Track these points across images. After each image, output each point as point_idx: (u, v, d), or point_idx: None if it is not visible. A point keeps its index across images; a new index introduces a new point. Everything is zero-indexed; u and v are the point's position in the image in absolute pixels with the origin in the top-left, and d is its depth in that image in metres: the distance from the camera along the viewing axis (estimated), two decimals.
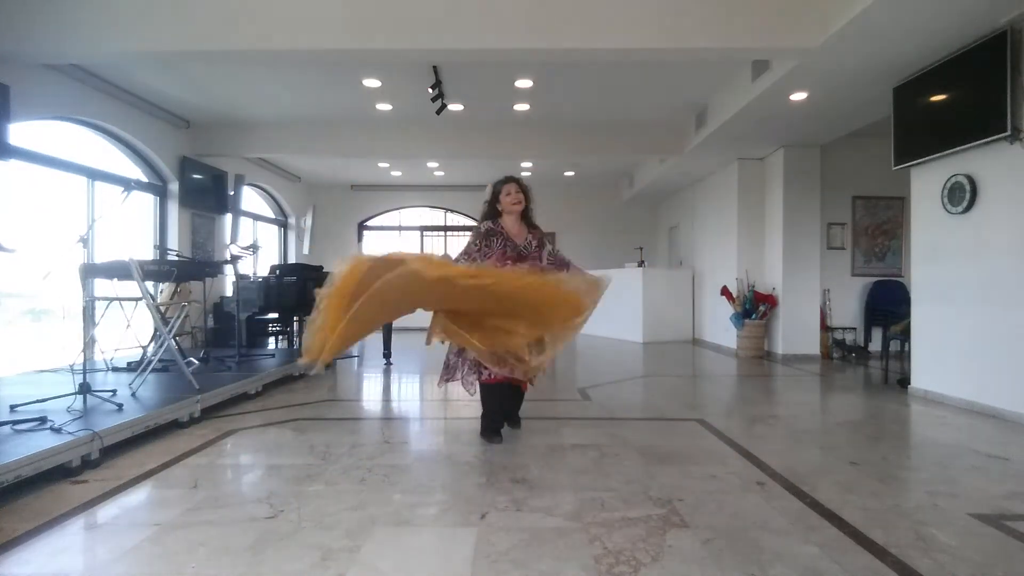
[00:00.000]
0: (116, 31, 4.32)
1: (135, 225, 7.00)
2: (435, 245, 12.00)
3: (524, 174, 10.18)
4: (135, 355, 4.90)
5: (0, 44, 4.33)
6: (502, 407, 3.42)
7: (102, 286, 4.81)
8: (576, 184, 11.12)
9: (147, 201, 7.09)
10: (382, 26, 4.26)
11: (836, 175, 7.43)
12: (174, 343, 4.52)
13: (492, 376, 3.21)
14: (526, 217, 3.44)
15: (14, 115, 4.80)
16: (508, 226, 3.35)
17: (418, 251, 2.91)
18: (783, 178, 7.26)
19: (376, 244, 11.95)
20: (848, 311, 7.61)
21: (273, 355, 5.99)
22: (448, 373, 3.39)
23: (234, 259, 5.73)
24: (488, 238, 3.29)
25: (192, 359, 5.00)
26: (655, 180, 9.32)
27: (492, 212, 3.38)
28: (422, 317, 2.99)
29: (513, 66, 5.68)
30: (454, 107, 6.81)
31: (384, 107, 6.96)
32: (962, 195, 4.43)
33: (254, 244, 7.81)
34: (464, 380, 3.32)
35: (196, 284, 5.72)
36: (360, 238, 11.92)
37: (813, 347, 7.21)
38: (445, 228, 12.02)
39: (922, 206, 4.95)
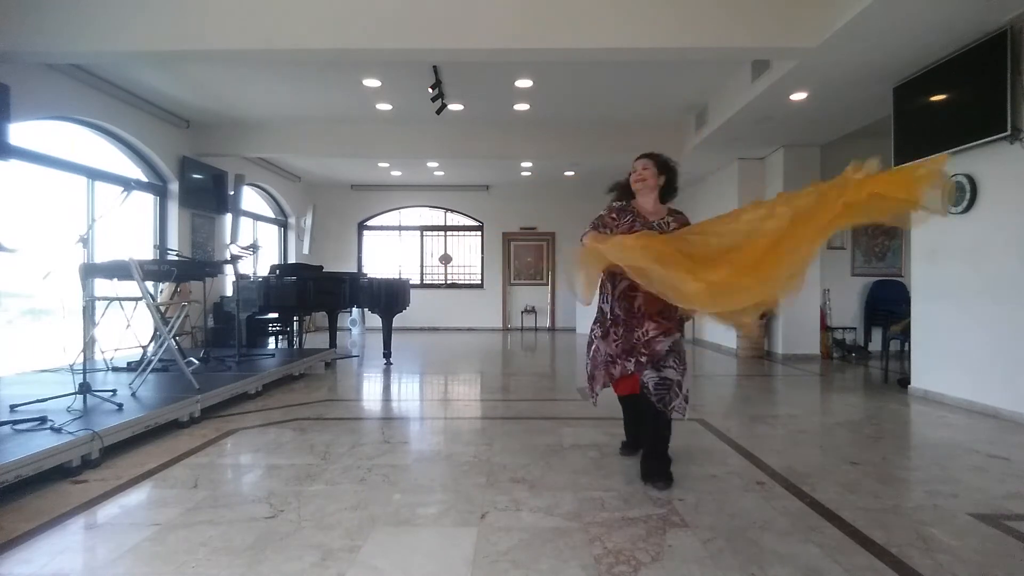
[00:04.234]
0: (115, 31, 4.32)
1: (135, 225, 7.00)
2: (435, 245, 12.01)
3: (524, 174, 10.19)
4: (135, 355, 4.90)
5: (0, 44, 4.33)
6: (635, 421, 3.10)
7: (102, 286, 4.81)
8: (576, 184, 11.11)
9: (147, 201, 7.09)
10: (382, 26, 4.25)
11: (836, 175, 7.40)
12: (174, 343, 4.51)
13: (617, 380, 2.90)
14: (665, 196, 2.97)
15: (14, 115, 4.79)
16: (641, 205, 2.94)
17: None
18: (783, 178, 7.25)
19: (377, 244, 11.98)
20: (848, 311, 7.61)
21: (273, 355, 5.99)
22: (594, 383, 3.00)
23: (234, 259, 5.72)
24: (621, 213, 2.92)
25: (192, 359, 4.99)
26: None
27: (627, 191, 3.03)
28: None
29: (513, 66, 5.67)
30: (454, 107, 6.81)
31: (384, 107, 6.96)
32: (962, 195, 4.42)
33: (254, 244, 7.81)
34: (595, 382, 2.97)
35: (196, 284, 5.71)
36: (360, 238, 11.92)
37: (813, 347, 7.21)
38: (445, 228, 12.01)
39: None
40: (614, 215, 2.91)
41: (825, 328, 7.34)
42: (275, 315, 7.20)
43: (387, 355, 6.61)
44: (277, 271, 6.80)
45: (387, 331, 6.69)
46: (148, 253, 6.70)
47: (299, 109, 7.15)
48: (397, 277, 9.19)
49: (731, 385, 5.66)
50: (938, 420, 4.07)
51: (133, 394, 3.83)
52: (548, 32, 4.24)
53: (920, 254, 5.00)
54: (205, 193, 7.65)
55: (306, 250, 10.85)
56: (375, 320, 7.48)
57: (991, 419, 4.03)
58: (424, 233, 12.02)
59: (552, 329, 11.50)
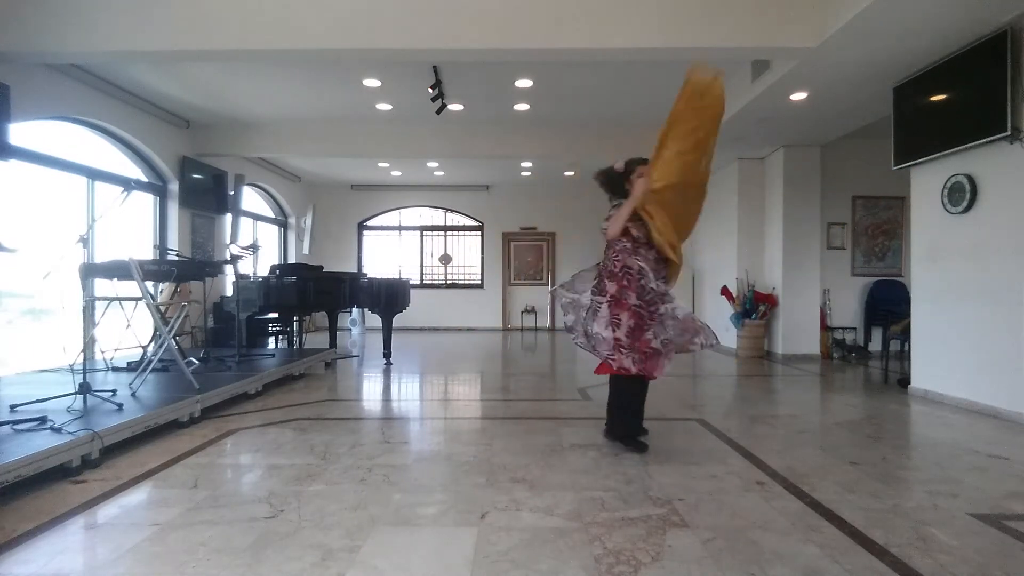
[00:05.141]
0: (116, 31, 4.32)
1: (135, 225, 7.00)
2: (435, 245, 12.01)
3: (524, 174, 10.19)
4: (135, 355, 4.90)
5: (0, 44, 4.33)
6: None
7: (102, 286, 4.81)
8: (576, 184, 11.11)
9: (147, 201, 7.08)
10: (382, 26, 4.26)
11: (836, 175, 7.43)
12: (174, 343, 4.51)
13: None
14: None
15: (14, 115, 4.79)
16: None
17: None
18: (783, 178, 7.26)
19: (377, 244, 11.99)
20: (848, 311, 7.61)
21: (273, 355, 5.98)
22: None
23: (234, 259, 5.72)
24: None
25: (192, 359, 4.99)
26: None
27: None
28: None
29: (513, 66, 5.68)
30: (454, 107, 6.81)
31: (384, 107, 6.96)
32: (962, 195, 4.43)
33: (254, 244, 7.81)
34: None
35: (196, 284, 5.71)
36: (360, 238, 11.93)
37: (813, 347, 7.21)
38: (445, 228, 12.01)
39: (922, 206, 4.95)
40: None
41: (825, 328, 7.35)
42: (275, 315, 7.20)
43: (387, 355, 6.61)
44: (277, 271, 6.80)
45: (387, 331, 6.69)
46: (148, 253, 6.70)
47: (299, 109, 7.15)
48: (397, 277, 9.19)
49: (731, 385, 5.66)
50: (938, 420, 4.07)
51: (133, 394, 3.82)
52: (548, 32, 4.24)
53: (920, 254, 5.00)
54: (205, 193, 7.65)
55: (306, 250, 10.85)
56: (375, 320, 7.48)
57: (991, 419, 4.03)
58: (424, 233, 12.02)
59: (552, 329, 11.50)
